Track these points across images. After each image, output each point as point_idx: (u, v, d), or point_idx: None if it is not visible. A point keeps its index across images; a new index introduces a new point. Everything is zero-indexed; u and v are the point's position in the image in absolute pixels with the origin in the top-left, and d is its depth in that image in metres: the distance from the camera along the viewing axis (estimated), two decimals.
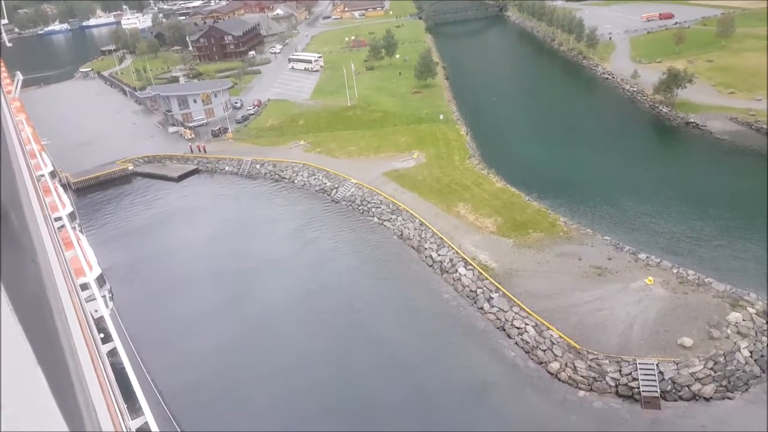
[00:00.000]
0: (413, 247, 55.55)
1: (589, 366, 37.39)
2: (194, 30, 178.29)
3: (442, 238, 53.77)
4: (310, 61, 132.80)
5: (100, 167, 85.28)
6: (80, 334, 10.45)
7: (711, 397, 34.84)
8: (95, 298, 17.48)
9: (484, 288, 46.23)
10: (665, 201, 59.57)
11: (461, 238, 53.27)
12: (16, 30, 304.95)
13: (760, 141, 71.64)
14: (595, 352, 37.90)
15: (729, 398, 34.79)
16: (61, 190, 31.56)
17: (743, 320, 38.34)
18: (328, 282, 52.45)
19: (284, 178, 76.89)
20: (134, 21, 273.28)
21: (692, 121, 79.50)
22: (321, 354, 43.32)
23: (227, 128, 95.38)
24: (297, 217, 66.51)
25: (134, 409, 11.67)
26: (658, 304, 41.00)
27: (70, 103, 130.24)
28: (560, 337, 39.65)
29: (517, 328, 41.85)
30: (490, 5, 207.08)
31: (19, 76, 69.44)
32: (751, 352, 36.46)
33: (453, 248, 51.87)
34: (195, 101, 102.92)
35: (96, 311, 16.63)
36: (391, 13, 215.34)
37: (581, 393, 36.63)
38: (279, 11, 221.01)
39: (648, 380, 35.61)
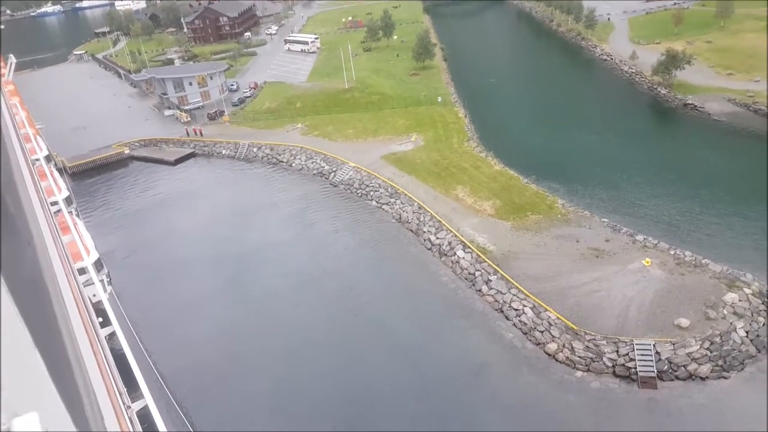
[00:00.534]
0: (412, 231, 55.57)
1: (587, 347, 37.69)
2: (189, 11, 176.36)
3: (440, 221, 53.78)
4: (306, 43, 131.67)
5: (96, 151, 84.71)
6: (78, 318, 10.44)
7: (707, 377, 35.29)
8: (93, 283, 17.43)
9: (483, 270, 46.40)
10: (663, 182, 59.67)
11: (460, 221, 53.30)
12: (8, 12, 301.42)
13: (758, 122, 71.63)
14: (593, 333, 38.17)
15: (725, 378, 35.21)
16: (56, 174, 31.39)
17: (739, 301, 38.64)
18: (327, 266, 52.52)
19: (282, 161, 76.51)
20: (128, 2, 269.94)
21: (690, 102, 79.34)
22: (320, 336, 43.53)
23: (223, 111, 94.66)
24: (295, 201, 66.31)
25: (134, 391, 11.71)
26: (656, 285, 41.23)
27: (64, 86, 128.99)
28: (558, 318, 39.89)
29: (515, 309, 42.10)
30: None
31: (12, 59, 68.47)
32: (746, 332, 36.84)
33: (451, 231, 51.91)
34: (191, 84, 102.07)
35: (94, 295, 16.61)
36: None
37: (579, 373, 36.99)
38: None
39: (645, 360, 35.95)
